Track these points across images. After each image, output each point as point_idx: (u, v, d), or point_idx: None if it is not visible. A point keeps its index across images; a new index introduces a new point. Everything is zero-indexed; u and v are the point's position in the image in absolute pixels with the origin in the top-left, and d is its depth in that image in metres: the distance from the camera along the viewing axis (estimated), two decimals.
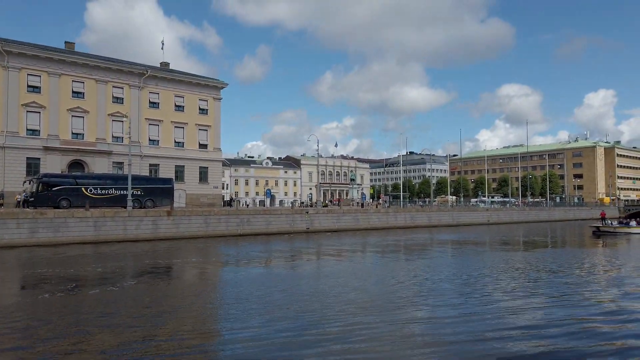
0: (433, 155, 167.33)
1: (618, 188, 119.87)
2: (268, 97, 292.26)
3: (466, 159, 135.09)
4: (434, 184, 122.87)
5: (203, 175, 50.37)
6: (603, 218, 47.71)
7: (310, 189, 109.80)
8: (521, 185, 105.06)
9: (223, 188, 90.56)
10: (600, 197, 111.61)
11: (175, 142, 48.88)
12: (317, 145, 53.78)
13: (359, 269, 20.91)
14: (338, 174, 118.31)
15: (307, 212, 44.25)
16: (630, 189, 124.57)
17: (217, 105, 52.28)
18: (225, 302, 13.33)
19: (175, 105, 49.18)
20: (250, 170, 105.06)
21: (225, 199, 58.15)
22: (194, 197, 48.68)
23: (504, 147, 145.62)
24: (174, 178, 44.61)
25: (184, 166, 48.88)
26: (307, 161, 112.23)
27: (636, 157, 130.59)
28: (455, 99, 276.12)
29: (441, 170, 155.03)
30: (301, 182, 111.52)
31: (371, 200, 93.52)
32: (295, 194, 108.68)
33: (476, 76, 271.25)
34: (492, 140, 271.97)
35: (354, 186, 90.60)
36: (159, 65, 53.20)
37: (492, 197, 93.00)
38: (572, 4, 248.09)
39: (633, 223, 44.85)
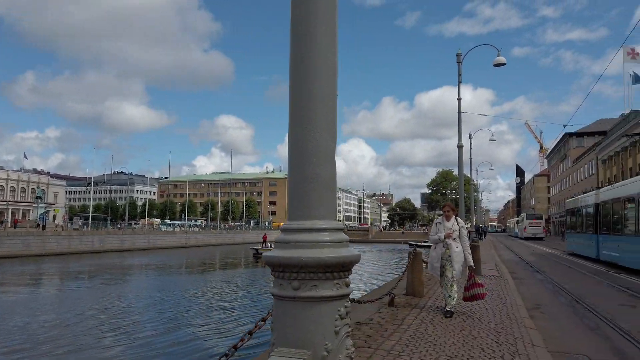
0: (143, 176, 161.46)
1: None
2: None
3: (175, 182, 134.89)
4: (140, 205, 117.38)
5: None
6: (264, 241, 48.93)
7: None
8: (224, 210, 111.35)
9: None
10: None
11: None
12: None
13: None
14: (24, 191, 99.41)
15: None
16: None
17: None
18: None
19: None
20: None
21: None
22: None
23: (212, 173, 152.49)
24: None
25: None
26: None
27: None
28: (176, 122, 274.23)
29: (151, 192, 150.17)
30: None
31: (63, 221, 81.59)
32: None
33: (197, 103, 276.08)
34: (208, 166, 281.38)
35: (40, 205, 77.50)
36: None
37: (196, 220, 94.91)
38: (282, 52, 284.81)
39: None
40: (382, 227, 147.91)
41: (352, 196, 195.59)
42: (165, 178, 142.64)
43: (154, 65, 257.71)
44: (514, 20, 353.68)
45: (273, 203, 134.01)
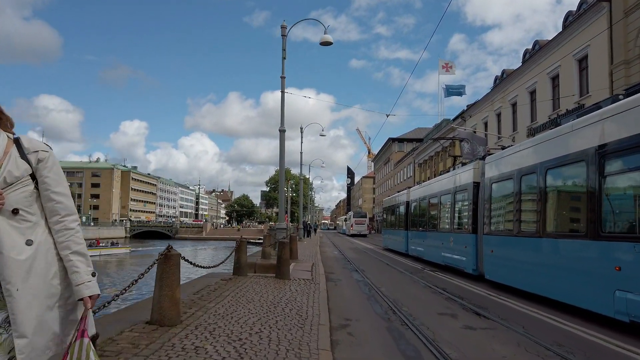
0: None
1: (131, 209, 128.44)
2: None
3: None
4: None
5: None
6: None
7: None
8: None
9: None
10: (115, 217, 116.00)
11: None
12: None
13: None
14: None
15: None
16: (141, 211, 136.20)
17: None
18: None
19: None
20: None
21: None
22: None
23: None
24: None
25: None
26: None
27: (149, 183, 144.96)
28: None
29: None
30: None
31: None
32: None
33: (12, 78, 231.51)
34: None
35: None
36: None
37: None
38: (120, 33, 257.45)
39: None
40: (220, 224, 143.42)
41: (189, 192, 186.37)
42: None
43: None
44: (353, 33, 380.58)
45: (96, 196, 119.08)
